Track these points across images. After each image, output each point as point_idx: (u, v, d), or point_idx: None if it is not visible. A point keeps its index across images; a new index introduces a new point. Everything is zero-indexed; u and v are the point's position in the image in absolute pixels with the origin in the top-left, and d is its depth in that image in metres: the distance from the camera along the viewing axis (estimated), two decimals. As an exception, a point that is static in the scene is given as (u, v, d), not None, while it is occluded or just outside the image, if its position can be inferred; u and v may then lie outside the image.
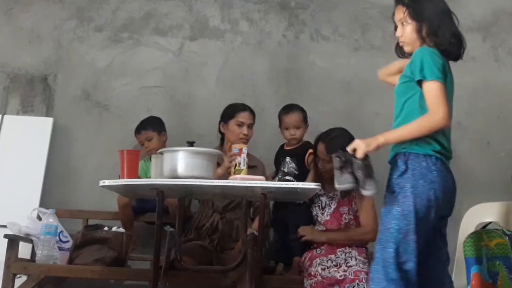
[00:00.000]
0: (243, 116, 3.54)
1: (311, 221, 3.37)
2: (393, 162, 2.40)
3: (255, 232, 3.01)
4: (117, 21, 4.40)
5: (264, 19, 4.40)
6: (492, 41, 4.26)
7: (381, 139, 2.34)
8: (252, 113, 3.58)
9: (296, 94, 4.13)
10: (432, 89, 2.31)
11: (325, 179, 3.22)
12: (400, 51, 2.55)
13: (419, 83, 2.35)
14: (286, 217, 3.40)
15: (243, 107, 3.60)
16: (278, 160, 3.54)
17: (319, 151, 3.30)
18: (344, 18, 4.37)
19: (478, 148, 4.08)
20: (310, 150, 3.42)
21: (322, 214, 3.33)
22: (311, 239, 3.25)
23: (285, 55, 4.34)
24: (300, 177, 3.34)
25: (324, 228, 3.30)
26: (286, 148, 3.59)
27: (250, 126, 3.53)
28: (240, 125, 3.52)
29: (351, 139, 3.23)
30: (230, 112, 3.58)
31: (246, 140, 3.47)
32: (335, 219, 3.29)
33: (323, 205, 3.35)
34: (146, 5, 4.42)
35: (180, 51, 4.35)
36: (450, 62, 2.44)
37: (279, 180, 3.10)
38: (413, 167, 2.32)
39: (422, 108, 2.35)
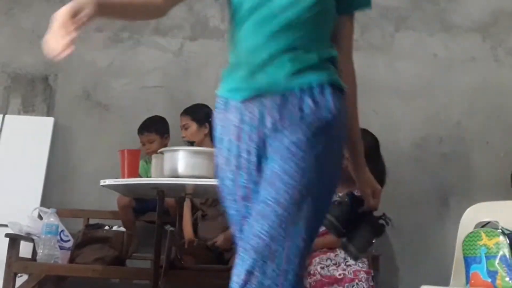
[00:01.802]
0: (180, 120, 3.64)
1: None
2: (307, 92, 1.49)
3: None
4: (117, 21, 4.40)
5: (264, 19, 4.40)
6: (491, 41, 4.27)
7: None
8: (187, 114, 3.61)
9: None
10: None
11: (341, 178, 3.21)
12: None
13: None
14: None
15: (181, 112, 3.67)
16: None
17: None
18: (344, 18, 4.38)
19: (478, 148, 4.08)
20: None
21: None
22: None
23: (285, 55, 4.35)
24: None
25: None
26: None
27: (185, 128, 3.57)
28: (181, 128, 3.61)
29: (372, 137, 3.25)
30: None
31: (187, 142, 3.50)
32: None
33: None
34: (147, 5, 4.43)
35: (180, 51, 4.36)
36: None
37: None
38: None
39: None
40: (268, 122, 1.48)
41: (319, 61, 1.51)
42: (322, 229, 2.93)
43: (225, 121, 1.55)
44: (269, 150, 1.48)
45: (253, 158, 1.51)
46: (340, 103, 1.51)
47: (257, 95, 1.49)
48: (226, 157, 1.55)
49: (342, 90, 1.54)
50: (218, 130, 1.58)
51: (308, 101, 1.47)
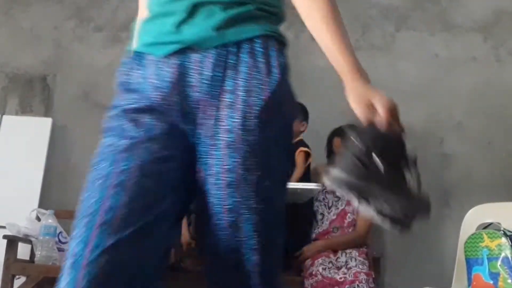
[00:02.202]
0: None
1: (310, 222, 3.34)
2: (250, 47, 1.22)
3: None
4: (117, 21, 4.39)
5: (264, 19, 4.39)
6: (493, 41, 4.25)
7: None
8: None
9: (296, 94, 4.12)
10: None
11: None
12: None
13: None
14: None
15: None
16: None
17: (336, 145, 3.28)
18: (344, 18, 4.34)
19: (479, 148, 4.06)
20: (300, 149, 3.37)
21: (329, 213, 3.30)
22: (311, 255, 3.18)
23: (285, 55, 4.33)
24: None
25: (327, 226, 3.28)
26: None
27: None
28: None
29: None
30: None
31: None
32: (340, 217, 3.28)
33: (330, 204, 3.32)
34: (146, 5, 4.41)
35: (179, 51, 4.34)
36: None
37: None
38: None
39: None
40: (194, 79, 1.17)
41: (257, 9, 1.25)
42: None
43: (137, 78, 1.30)
44: (199, 128, 1.19)
45: (161, 129, 1.20)
46: (285, 62, 1.30)
47: (183, 49, 1.19)
48: (124, 124, 1.25)
49: (285, 44, 1.32)
50: (124, 90, 1.31)
51: (249, 61, 1.20)
